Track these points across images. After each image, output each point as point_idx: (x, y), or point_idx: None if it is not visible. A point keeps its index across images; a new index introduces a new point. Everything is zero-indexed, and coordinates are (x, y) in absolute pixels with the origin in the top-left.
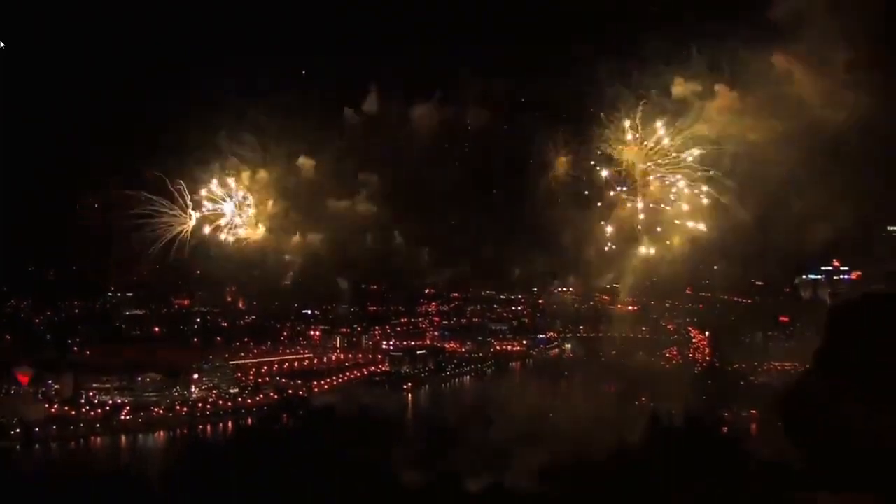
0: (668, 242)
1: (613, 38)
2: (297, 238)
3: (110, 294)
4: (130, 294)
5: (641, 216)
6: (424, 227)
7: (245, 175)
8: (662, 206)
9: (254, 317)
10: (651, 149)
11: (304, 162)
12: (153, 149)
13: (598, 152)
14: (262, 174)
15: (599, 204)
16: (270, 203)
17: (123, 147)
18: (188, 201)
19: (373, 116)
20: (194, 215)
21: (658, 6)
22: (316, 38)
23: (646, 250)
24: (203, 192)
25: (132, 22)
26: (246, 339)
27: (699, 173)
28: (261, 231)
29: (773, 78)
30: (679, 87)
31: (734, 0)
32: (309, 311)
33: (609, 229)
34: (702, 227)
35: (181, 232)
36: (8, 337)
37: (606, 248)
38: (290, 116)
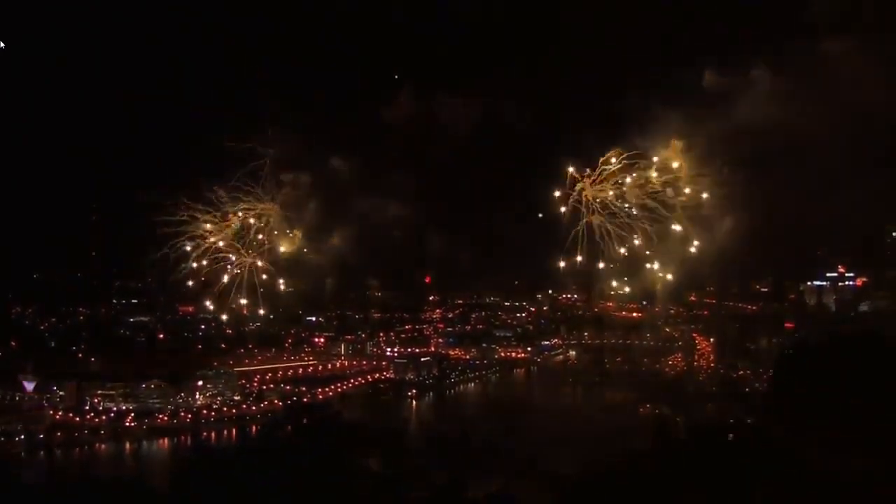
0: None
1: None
2: (331, 244)
3: (115, 301)
4: (135, 301)
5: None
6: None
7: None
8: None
9: (258, 323)
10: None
11: (336, 165)
12: (184, 154)
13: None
14: (298, 179)
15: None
16: (308, 209)
17: (150, 152)
18: (226, 208)
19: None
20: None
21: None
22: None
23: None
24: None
25: (162, 27)
26: (250, 346)
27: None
28: (296, 238)
29: (775, 85)
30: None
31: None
32: (314, 318)
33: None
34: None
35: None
36: (13, 344)
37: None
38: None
